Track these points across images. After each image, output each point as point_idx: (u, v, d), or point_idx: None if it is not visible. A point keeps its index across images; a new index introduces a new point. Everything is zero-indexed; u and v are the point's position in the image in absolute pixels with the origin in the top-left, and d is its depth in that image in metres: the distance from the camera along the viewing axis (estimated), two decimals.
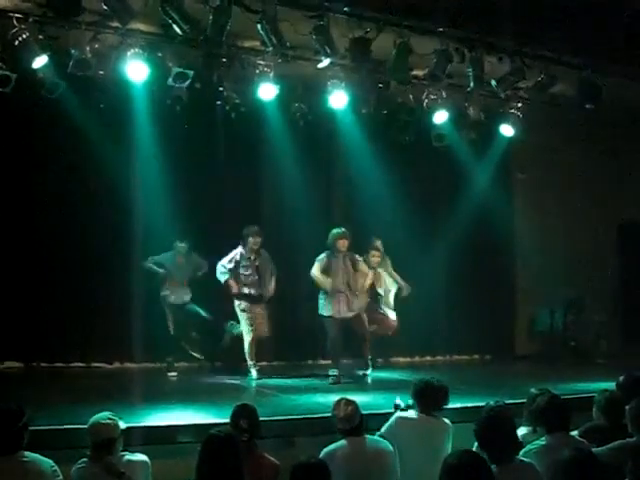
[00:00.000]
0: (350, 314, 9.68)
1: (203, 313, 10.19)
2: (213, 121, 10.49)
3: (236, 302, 9.82)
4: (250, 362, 9.64)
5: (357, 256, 9.94)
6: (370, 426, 5.68)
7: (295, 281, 10.54)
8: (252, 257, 9.78)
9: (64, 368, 10.14)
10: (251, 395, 8.44)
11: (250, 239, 9.69)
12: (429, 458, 5.19)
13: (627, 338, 12.84)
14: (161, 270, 10.17)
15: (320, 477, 3.96)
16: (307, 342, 11.27)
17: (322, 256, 9.66)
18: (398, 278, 10.74)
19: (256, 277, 9.82)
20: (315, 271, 9.60)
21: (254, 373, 9.59)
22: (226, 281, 9.73)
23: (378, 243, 10.67)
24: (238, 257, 9.76)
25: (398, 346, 10.74)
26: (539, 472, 4.44)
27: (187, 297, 10.25)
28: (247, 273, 9.78)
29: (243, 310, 9.77)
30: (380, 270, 10.57)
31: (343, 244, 9.62)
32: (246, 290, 9.78)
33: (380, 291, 10.64)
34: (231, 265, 9.75)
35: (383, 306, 10.67)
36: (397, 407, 5.89)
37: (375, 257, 10.42)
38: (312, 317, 10.05)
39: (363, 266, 9.96)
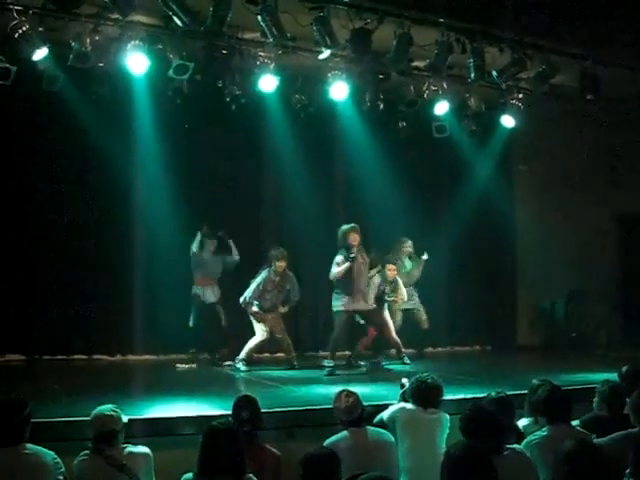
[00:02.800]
0: (367, 307, 9.59)
1: (223, 322, 10.24)
2: (214, 113, 10.48)
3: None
4: (243, 356, 9.58)
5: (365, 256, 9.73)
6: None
7: (296, 275, 10.49)
8: (277, 279, 9.73)
9: (66, 360, 10.16)
10: (252, 387, 8.43)
11: (276, 262, 9.61)
12: (426, 449, 5.26)
13: (628, 329, 12.84)
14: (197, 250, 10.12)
15: (331, 466, 3.95)
16: (307, 335, 11.37)
17: (339, 259, 9.42)
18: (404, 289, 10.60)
19: (280, 297, 9.83)
20: (334, 271, 9.38)
21: (241, 366, 9.53)
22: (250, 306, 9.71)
23: (407, 245, 10.73)
24: (261, 287, 9.65)
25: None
26: (530, 460, 4.46)
27: (216, 297, 10.27)
28: (270, 296, 9.74)
29: (253, 314, 9.76)
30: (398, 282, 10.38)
31: (355, 238, 9.40)
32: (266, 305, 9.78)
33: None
34: (258, 294, 9.66)
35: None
36: (403, 387, 5.92)
37: (391, 271, 10.19)
38: (313, 312, 10.02)
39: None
